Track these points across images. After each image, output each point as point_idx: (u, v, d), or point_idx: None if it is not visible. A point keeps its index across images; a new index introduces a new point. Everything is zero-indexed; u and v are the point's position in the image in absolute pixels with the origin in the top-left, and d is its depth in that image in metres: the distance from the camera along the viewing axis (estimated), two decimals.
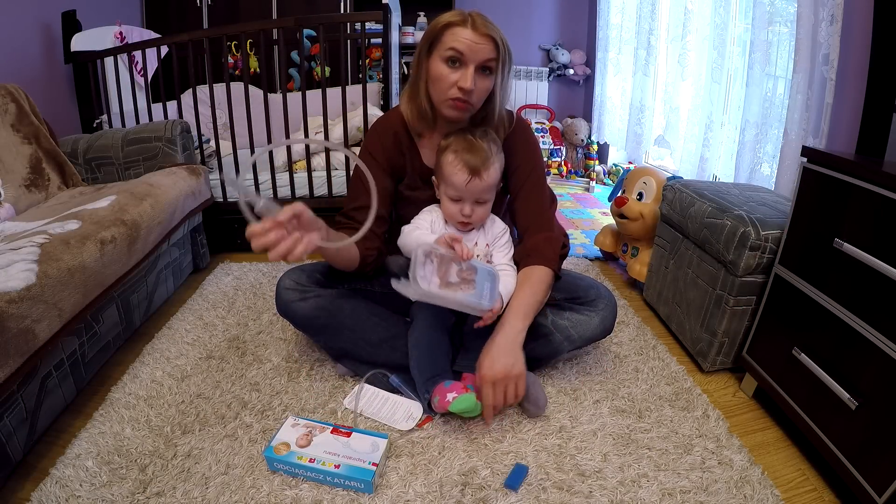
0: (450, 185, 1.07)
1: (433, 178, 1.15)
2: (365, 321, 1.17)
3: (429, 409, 1.08)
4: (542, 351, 1.17)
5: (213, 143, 2.02)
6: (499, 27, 1.03)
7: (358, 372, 1.20)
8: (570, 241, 2.23)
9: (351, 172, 1.93)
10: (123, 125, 1.96)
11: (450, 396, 0.99)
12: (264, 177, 1.92)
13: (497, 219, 1.20)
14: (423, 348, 1.10)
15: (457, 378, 1.09)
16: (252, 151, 1.86)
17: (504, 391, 0.97)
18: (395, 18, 2.07)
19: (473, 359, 1.06)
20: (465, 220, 1.10)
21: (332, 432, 0.99)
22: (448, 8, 3.05)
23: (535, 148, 1.22)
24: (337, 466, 0.91)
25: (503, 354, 0.97)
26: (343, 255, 1.07)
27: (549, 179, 1.29)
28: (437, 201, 1.18)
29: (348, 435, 0.98)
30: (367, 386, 1.16)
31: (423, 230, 1.13)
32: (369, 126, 1.81)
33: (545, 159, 3.25)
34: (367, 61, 2.84)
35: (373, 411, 1.10)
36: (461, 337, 1.18)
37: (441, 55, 1.02)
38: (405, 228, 1.15)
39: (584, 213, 2.67)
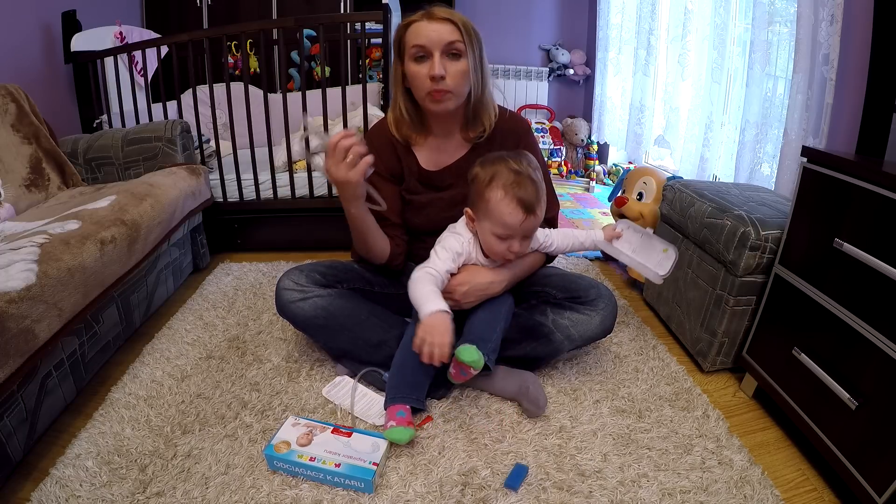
0: (499, 224, 1.01)
1: (466, 210, 1.09)
2: (364, 321, 1.17)
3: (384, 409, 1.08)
4: (542, 350, 1.18)
5: (213, 143, 2.02)
6: (462, 14, 1.04)
7: (357, 372, 1.20)
8: None
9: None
10: (123, 125, 1.95)
11: (389, 424, 0.99)
12: (264, 177, 1.92)
13: None
14: (405, 354, 1.10)
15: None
16: (252, 151, 1.87)
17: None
18: (395, 18, 2.07)
19: (469, 342, 1.05)
20: (512, 257, 1.07)
21: (332, 432, 0.99)
22: (449, 7, 3.06)
23: (536, 152, 1.23)
24: (337, 465, 0.91)
25: (472, 291, 1.10)
26: (377, 243, 1.13)
27: None
28: (437, 205, 1.18)
29: (349, 435, 0.98)
30: (347, 379, 1.19)
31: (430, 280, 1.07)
32: (369, 127, 1.82)
33: (546, 159, 3.26)
34: (367, 61, 2.83)
35: (348, 404, 1.11)
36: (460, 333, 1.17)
37: (409, 55, 1.04)
38: (416, 275, 1.06)
39: (584, 213, 2.67)
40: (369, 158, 0.94)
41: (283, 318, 1.19)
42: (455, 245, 1.09)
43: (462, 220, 1.14)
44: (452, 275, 1.13)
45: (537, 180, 1.02)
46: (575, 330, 1.15)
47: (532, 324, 1.16)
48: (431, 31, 1.01)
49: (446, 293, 1.11)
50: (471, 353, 0.98)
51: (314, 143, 0.96)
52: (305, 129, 0.96)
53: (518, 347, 1.18)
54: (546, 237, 1.19)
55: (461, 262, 1.11)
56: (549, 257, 1.26)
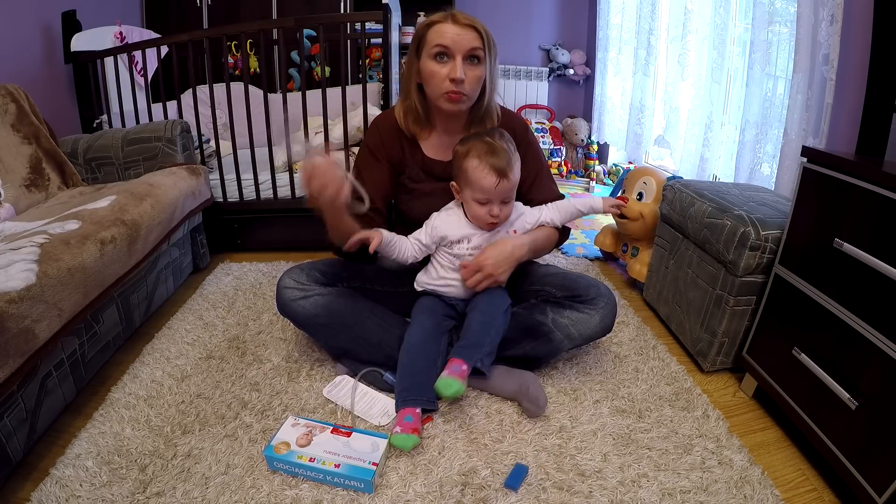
0: (477, 189, 1.08)
1: (452, 183, 1.16)
2: (365, 321, 1.17)
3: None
4: (542, 350, 1.18)
5: (213, 143, 2.02)
6: (482, 21, 1.07)
7: (357, 371, 1.20)
8: (571, 241, 2.24)
9: (351, 172, 1.93)
10: (123, 125, 1.95)
11: (397, 430, 0.99)
12: (264, 177, 1.92)
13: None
14: (411, 355, 1.11)
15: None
16: (252, 151, 1.87)
17: (481, 281, 1.11)
18: (395, 18, 2.07)
19: (462, 346, 1.07)
20: (494, 220, 1.11)
21: (332, 432, 0.99)
22: (449, 7, 3.05)
23: (536, 147, 1.26)
24: (337, 466, 0.91)
25: (501, 258, 1.11)
26: (352, 232, 1.09)
27: None
28: (440, 193, 1.20)
29: (348, 435, 0.98)
30: (347, 378, 1.19)
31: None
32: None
33: (545, 157, 3.26)
34: (367, 61, 2.83)
35: (349, 404, 1.12)
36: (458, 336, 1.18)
37: (429, 53, 1.07)
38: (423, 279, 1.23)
39: None
40: (347, 182, 0.96)
41: (283, 318, 1.19)
42: (433, 218, 1.18)
43: (451, 203, 1.21)
44: (450, 256, 1.17)
45: (508, 150, 1.09)
46: (575, 329, 1.15)
47: (532, 323, 1.17)
48: (456, 35, 1.04)
49: (477, 271, 1.11)
50: (448, 388, 0.99)
51: (295, 149, 0.99)
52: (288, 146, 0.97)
53: (518, 347, 1.18)
54: (540, 213, 1.22)
55: (440, 236, 1.16)
56: (563, 232, 1.28)
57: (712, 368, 1.30)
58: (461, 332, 1.14)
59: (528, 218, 1.21)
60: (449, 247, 1.16)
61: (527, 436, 1.06)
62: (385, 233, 1.10)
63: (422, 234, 1.17)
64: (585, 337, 1.17)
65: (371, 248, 1.04)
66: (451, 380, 0.99)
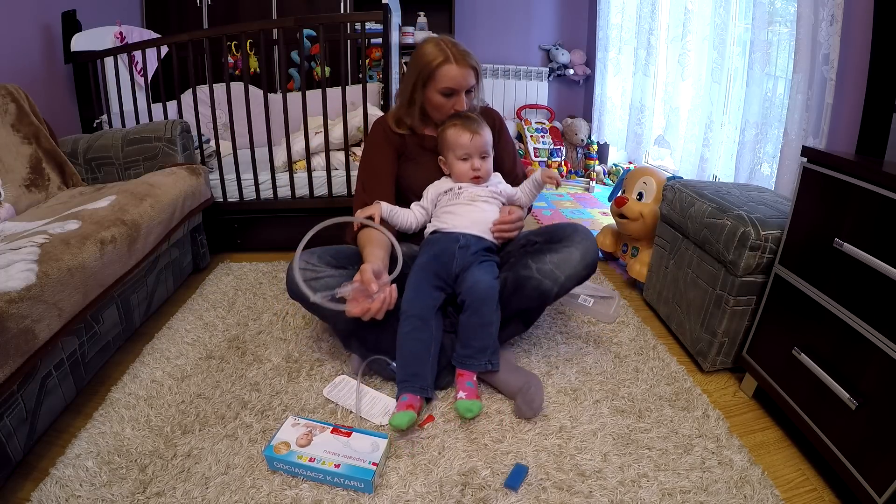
0: (457, 147, 1.28)
1: (439, 159, 1.34)
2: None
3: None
4: (533, 302, 1.19)
5: (213, 143, 2.02)
6: (472, 52, 1.29)
7: (365, 357, 1.20)
8: None
9: (351, 172, 1.93)
10: (123, 125, 1.95)
11: (393, 412, 1.05)
12: (264, 176, 1.92)
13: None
14: (404, 347, 1.13)
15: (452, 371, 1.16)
16: (252, 151, 1.87)
17: (515, 221, 1.29)
18: (395, 18, 2.07)
19: (468, 356, 1.14)
20: (476, 174, 1.29)
21: (332, 432, 0.99)
22: (448, 9, 3.06)
23: (509, 136, 1.48)
24: (337, 466, 0.91)
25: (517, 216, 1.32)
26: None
27: None
28: (436, 166, 1.35)
29: (348, 435, 0.98)
30: (348, 378, 1.20)
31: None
32: (370, 126, 1.82)
33: (545, 159, 3.26)
34: (367, 61, 2.84)
35: (351, 403, 1.12)
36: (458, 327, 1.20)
37: (438, 90, 1.28)
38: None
39: (584, 213, 2.67)
40: (394, 291, 1.07)
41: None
42: (428, 188, 1.35)
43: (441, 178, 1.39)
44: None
45: (475, 118, 1.31)
46: (559, 270, 1.16)
47: (518, 281, 1.18)
48: (461, 78, 1.27)
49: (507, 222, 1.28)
50: (469, 411, 1.07)
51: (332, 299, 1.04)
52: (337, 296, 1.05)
53: (509, 306, 1.20)
54: (516, 192, 1.37)
55: (437, 194, 1.33)
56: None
57: (712, 368, 1.30)
58: (459, 337, 1.17)
59: (508, 190, 1.36)
60: (446, 193, 1.32)
61: (527, 436, 1.06)
62: (384, 204, 1.26)
63: (422, 201, 1.35)
64: (571, 276, 1.17)
65: (376, 221, 1.20)
66: (470, 403, 1.08)
